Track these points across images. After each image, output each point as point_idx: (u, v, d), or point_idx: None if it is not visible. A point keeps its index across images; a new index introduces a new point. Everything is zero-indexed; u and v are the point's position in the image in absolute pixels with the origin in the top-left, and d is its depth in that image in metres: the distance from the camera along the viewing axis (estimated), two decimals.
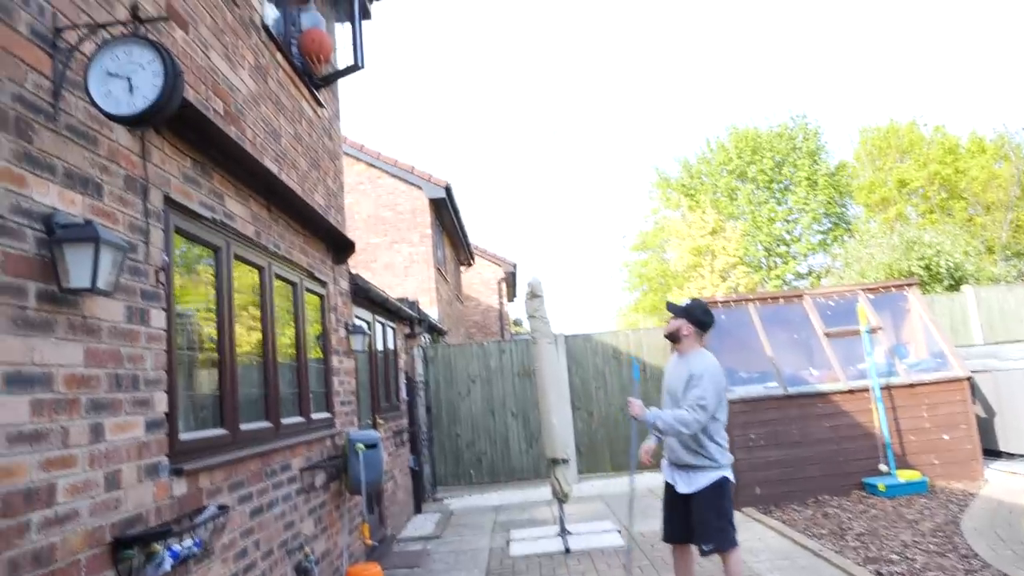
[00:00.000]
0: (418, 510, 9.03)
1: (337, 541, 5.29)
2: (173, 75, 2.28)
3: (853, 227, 28.74)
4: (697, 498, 4.01)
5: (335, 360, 5.74)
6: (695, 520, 4.02)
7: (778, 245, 30.26)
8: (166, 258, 3.07)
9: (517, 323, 28.56)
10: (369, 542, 5.37)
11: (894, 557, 5.27)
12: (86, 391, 2.44)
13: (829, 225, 30.20)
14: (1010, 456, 8.20)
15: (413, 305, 9.52)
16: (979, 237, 22.89)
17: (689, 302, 4.35)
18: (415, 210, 13.72)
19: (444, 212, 14.81)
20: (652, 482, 9.76)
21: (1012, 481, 7.34)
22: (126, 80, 2.29)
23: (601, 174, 77.87)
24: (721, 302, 8.47)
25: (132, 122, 2.37)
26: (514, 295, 25.97)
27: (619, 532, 6.94)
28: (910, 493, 7.19)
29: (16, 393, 2.11)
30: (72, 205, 2.43)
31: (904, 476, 7.33)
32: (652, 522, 7.26)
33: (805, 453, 7.66)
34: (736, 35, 60.79)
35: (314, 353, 5.31)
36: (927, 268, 14.00)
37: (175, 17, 3.36)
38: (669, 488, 4.25)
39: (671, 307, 4.34)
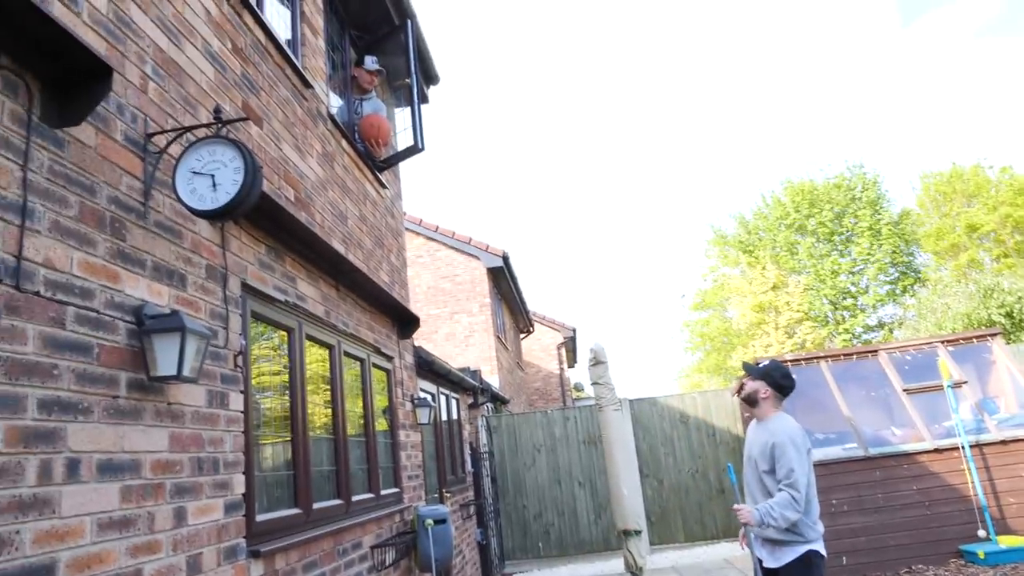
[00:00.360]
0: None
1: None
2: (253, 170, 2.42)
3: (923, 275, 27.73)
4: (784, 573, 3.81)
5: (402, 434, 5.77)
6: None
7: (844, 298, 29.35)
8: (244, 342, 3.19)
9: (578, 388, 28.23)
10: None
11: None
12: (171, 476, 2.51)
13: (897, 275, 29.22)
14: None
15: (475, 375, 9.55)
16: None
17: (768, 363, 4.21)
18: (474, 280, 13.91)
19: (502, 280, 14.97)
20: (727, 552, 9.35)
21: None
22: (210, 177, 2.44)
23: (657, 234, 77.75)
24: (791, 360, 8.22)
25: (215, 216, 2.51)
26: (575, 360, 25.79)
27: None
28: (1015, 561, 6.66)
29: (108, 480, 2.19)
30: (159, 296, 2.56)
31: (1006, 542, 6.82)
32: None
33: (893, 519, 7.22)
34: (787, 88, 60.82)
35: (382, 428, 5.35)
36: (1009, 316, 13.32)
37: (251, 115, 3.58)
38: (759, 563, 4.05)
39: (748, 368, 4.20)
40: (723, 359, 27.40)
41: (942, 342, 8.38)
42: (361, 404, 4.95)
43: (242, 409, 3.10)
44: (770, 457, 3.82)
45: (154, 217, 2.59)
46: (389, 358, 5.73)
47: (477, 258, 13.96)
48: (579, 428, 10.56)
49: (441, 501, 7.07)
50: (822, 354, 8.58)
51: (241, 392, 3.11)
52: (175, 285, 2.69)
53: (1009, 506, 7.23)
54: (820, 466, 7.14)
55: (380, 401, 5.44)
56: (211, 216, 2.54)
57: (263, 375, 3.54)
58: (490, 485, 10.09)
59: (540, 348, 22.35)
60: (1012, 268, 20.43)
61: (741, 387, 4.12)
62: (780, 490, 3.72)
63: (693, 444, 10.42)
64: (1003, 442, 7.37)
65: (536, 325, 21.13)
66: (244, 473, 3.05)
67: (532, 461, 10.52)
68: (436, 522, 5.25)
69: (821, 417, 7.85)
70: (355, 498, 4.48)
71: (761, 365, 4.18)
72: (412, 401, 6.18)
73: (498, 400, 12.22)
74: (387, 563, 4.86)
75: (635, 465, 6.62)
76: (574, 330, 22.56)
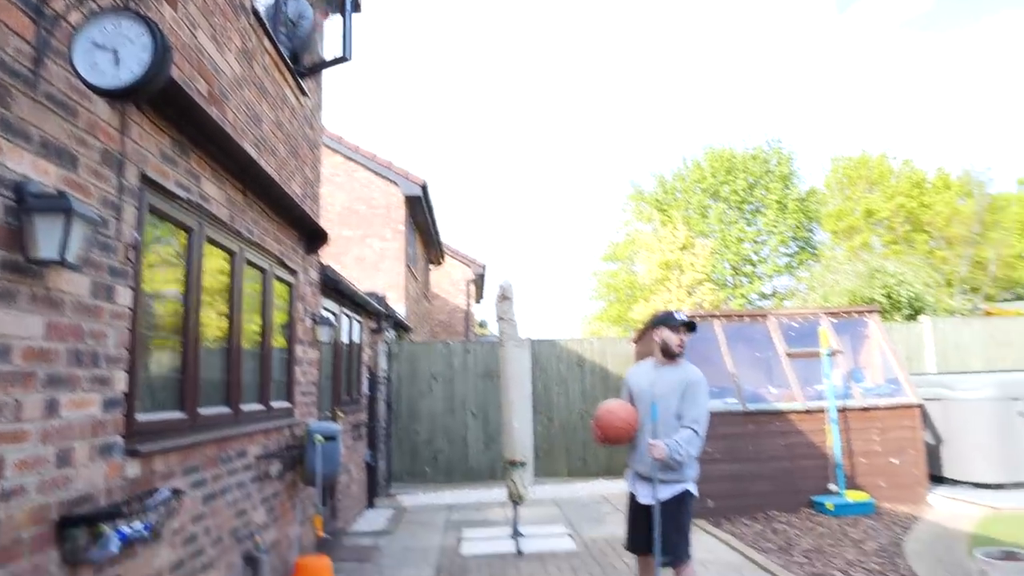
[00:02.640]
0: (371, 505, 8.99)
1: (288, 532, 5.25)
2: (162, 50, 2.27)
3: (819, 252, 29.34)
4: (658, 510, 4.00)
5: (299, 350, 5.70)
6: (654, 531, 4.01)
7: (745, 265, 30.73)
8: (137, 236, 3.03)
9: (483, 325, 28.53)
10: (321, 534, 5.33)
11: (837, 574, 5.40)
12: (44, 365, 2.40)
13: (796, 249, 30.79)
14: (953, 483, 8.44)
15: (381, 300, 9.48)
16: (939, 270, 23.51)
17: (687, 319, 4.32)
18: (390, 206, 13.65)
19: (418, 210, 14.77)
20: (605, 489, 9.87)
21: (954, 507, 7.56)
22: (113, 53, 2.26)
23: (578, 183, 78.34)
24: (688, 316, 8.60)
25: (116, 95, 2.35)
26: (481, 297, 25.94)
27: (571, 536, 6.99)
28: (857, 513, 7.36)
29: None
30: (45, 175, 2.39)
31: (852, 496, 7.51)
32: (604, 528, 7.35)
33: (759, 469, 7.80)
34: (720, 58, 61.63)
35: (279, 341, 5.26)
36: (888, 297, 14.37)
37: None
38: (632, 498, 4.25)
39: (685, 322, 4.28)
40: (625, 310, 28.27)
41: (826, 314, 8.95)
42: (259, 315, 4.84)
43: (130, 305, 2.97)
44: (681, 396, 4.01)
45: (45, 88, 2.39)
46: (293, 272, 5.60)
47: (396, 184, 13.67)
48: (478, 362, 10.73)
49: (333, 420, 7.09)
50: (717, 313, 9.02)
51: (131, 288, 2.98)
52: (64, 166, 2.51)
53: (860, 465, 7.93)
54: None
55: (280, 314, 5.33)
56: (111, 95, 2.37)
57: (158, 273, 3.39)
58: (385, 409, 10.17)
59: (449, 282, 22.36)
60: (898, 254, 21.90)
61: (682, 342, 4.24)
62: (685, 427, 3.96)
63: (586, 387, 10.82)
64: (864, 409, 8.04)
65: (447, 258, 21.06)
66: (127, 371, 2.95)
67: (429, 390, 10.65)
68: (326, 439, 5.26)
69: (708, 371, 8.15)
70: (244, 408, 4.42)
71: (691, 319, 4.30)
72: (313, 318, 6.10)
73: (402, 328, 12.22)
74: (272, 475, 4.86)
75: (529, 401, 6.81)
76: (484, 267, 22.63)
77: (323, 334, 6.09)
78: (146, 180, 3.14)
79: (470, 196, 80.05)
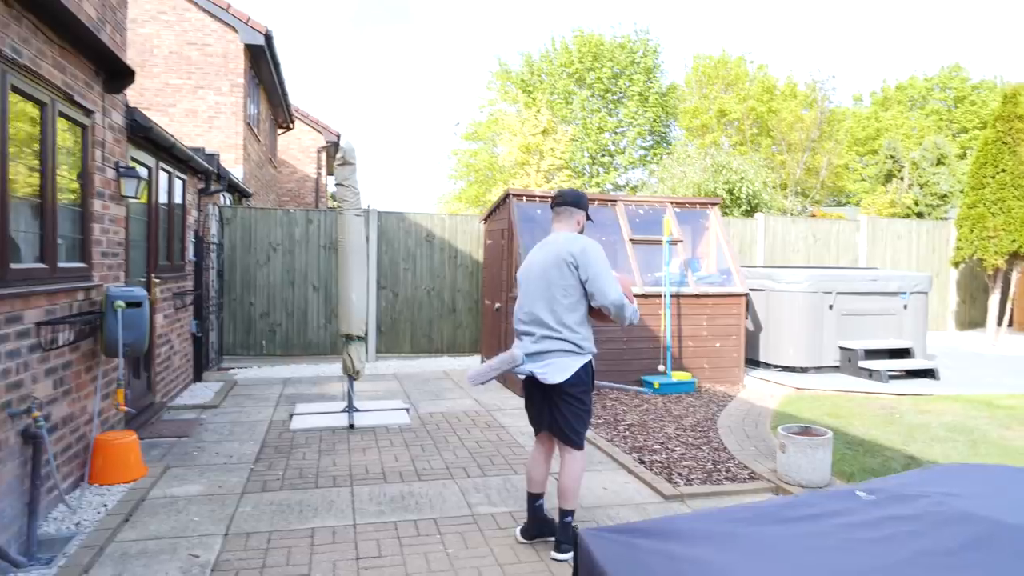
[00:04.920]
0: (198, 378, 8.45)
1: (87, 406, 4.71)
2: None
3: (673, 147, 30.26)
4: (570, 381, 3.68)
5: (98, 204, 4.94)
6: (551, 412, 3.76)
7: (603, 155, 31.21)
8: None
9: (335, 197, 27.35)
10: (124, 408, 4.84)
11: (656, 447, 5.70)
12: None
13: (652, 143, 31.57)
14: (767, 366, 9.20)
15: (211, 159, 8.54)
16: (777, 172, 25.03)
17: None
18: (227, 54, 12.21)
19: (262, 63, 13.36)
20: (448, 365, 9.91)
21: (765, 388, 8.24)
22: None
23: (442, 56, 75.15)
24: (540, 196, 8.46)
25: None
26: (334, 167, 24.69)
27: (407, 411, 6.92)
28: (680, 392, 7.83)
29: None
30: None
31: (677, 377, 7.96)
32: (442, 403, 7.36)
33: (597, 349, 8.02)
34: None
35: (69, 193, 4.50)
36: (730, 192, 15.05)
37: None
38: (531, 378, 3.80)
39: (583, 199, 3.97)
40: (483, 192, 28.05)
41: (672, 203, 9.13)
42: (38, 158, 4.06)
43: None
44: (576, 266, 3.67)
45: None
46: (88, 112, 4.75)
47: (235, 30, 12.19)
48: (322, 232, 10.14)
49: (148, 287, 6.40)
50: None
51: None
52: None
53: (687, 348, 8.39)
54: None
55: (71, 161, 4.54)
56: None
57: None
58: (216, 278, 9.44)
59: (299, 148, 20.96)
60: (744, 154, 22.94)
61: (580, 222, 3.94)
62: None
63: (435, 264, 10.59)
64: (696, 296, 8.41)
65: (297, 123, 19.63)
66: None
67: (267, 259, 9.98)
68: (129, 304, 4.68)
69: None
70: (15, 266, 3.75)
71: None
72: (117, 169, 5.29)
73: (239, 192, 11.25)
74: (60, 343, 4.26)
75: (368, 273, 6.45)
76: (339, 135, 21.37)
77: (129, 188, 5.31)
78: None
79: (325, 59, 74.71)
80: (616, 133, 31.26)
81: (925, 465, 5.16)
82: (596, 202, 8.96)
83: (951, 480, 2.33)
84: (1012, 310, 13.32)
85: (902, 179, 16.89)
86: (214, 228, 9.28)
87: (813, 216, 16.62)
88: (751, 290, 9.24)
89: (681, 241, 8.74)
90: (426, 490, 4.73)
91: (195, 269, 8.33)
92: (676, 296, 8.33)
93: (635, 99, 30.47)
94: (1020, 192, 11.41)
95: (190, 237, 8.04)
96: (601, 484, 4.88)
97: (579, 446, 3.77)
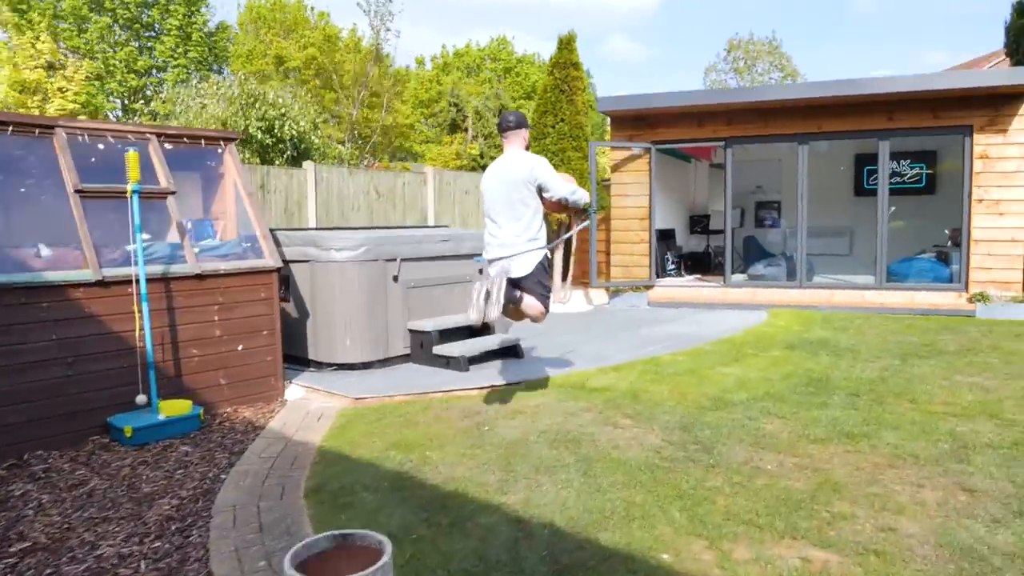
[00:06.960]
0: None
1: None
2: None
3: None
4: (534, 273, 4.78)
5: None
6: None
7: (137, 99, 25.43)
8: None
9: None
10: None
11: None
12: None
13: None
14: (320, 365, 6.73)
15: None
16: (336, 116, 22.83)
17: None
18: None
19: None
20: None
21: (313, 402, 5.74)
22: None
23: None
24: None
25: None
26: None
27: None
28: (172, 436, 4.86)
29: None
30: None
31: (167, 410, 4.94)
32: None
33: (10, 385, 4.54)
34: None
35: None
36: (269, 131, 11.95)
37: None
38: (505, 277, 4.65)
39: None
40: None
41: (158, 134, 5.90)
42: None
43: None
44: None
45: None
46: None
47: None
48: None
49: None
50: None
51: None
52: None
53: (191, 359, 5.40)
54: None
55: None
56: None
57: None
58: None
59: None
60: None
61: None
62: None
63: None
64: (199, 277, 5.44)
65: None
66: None
67: None
68: None
69: None
70: None
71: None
72: None
73: None
74: None
75: None
76: None
77: None
78: None
79: None
80: (152, 76, 25.70)
81: (537, 533, 3.16)
82: (11, 127, 5.24)
83: None
84: (573, 264, 13.25)
85: (466, 130, 16.09)
86: None
87: (375, 168, 14.67)
88: (289, 262, 6.62)
89: (174, 193, 5.63)
90: None
91: None
92: (165, 279, 5.25)
93: (174, 34, 25.29)
94: (577, 143, 10.92)
95: None
96: None
97: None
